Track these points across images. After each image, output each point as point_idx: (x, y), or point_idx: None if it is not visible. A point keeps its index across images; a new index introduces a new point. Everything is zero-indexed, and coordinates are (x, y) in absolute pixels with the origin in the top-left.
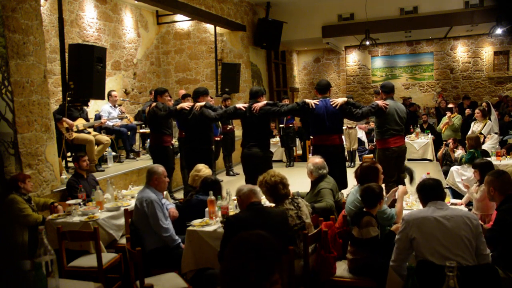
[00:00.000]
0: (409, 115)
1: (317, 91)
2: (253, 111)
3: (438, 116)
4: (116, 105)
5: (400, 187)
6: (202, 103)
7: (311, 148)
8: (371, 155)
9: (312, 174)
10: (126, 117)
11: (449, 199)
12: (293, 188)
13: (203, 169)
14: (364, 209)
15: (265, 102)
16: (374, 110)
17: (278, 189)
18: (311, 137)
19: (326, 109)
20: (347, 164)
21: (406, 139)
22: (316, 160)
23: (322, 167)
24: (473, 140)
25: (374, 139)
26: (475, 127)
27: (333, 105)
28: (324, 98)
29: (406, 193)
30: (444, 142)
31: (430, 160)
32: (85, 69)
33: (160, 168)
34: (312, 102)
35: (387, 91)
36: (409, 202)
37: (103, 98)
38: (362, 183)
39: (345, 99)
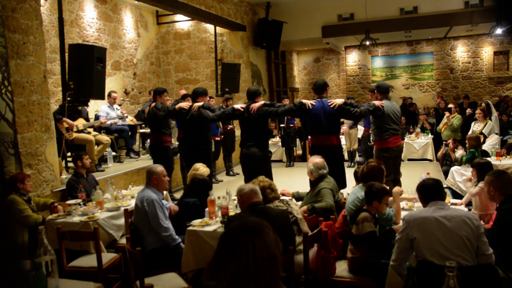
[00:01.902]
0: (409, 115)
1: (313, 91)
2: (251, 112)
3: (438, 116)
4: (116, 106)
5: (395, 188)
6: (200, 104)
7: (311, 148)
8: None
9: (312, 174)
10: (127, 116)
11: (449, 199)
12: (293, 188)
13: (200, 168)
14: (364, 207)
15: (262, 102)
16: (371, 109)
17: (266, 194)
18: (309, 137)
19: (322, 109)
20: (347, 164)
21: (406, 139)
22: (316, 160)
23: (322, 167)
24: (473, 140)
25: (371, 139)
26: (476, 127)
27: (331, 106)
28: (321, 99)
29: (401, 193)
30: (444, 142)
31: (430, 160)
32: (85, 69)
33: (159, 168)
34: (308, 102)
35: (383, 91)
36: (409, 202)
37: (103, 98)
38: (365, 182)
39: (343, 100)
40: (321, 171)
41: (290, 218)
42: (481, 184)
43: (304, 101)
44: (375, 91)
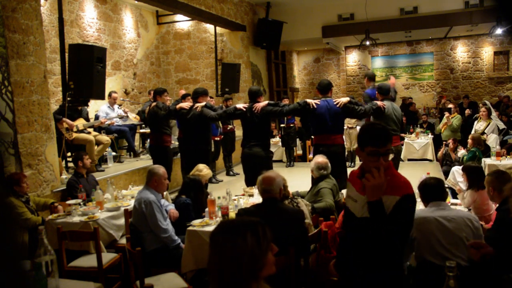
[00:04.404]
0: (409, 115)
1: (318, 91)
2: (255, 111)
3: (442, 116)
4: (116, 106)
5: None
6: (203, 104)
7: (311, 148)
8: None
9: (313, 172)
10: (127, 116)
11: (449, 199)
12: (293, 188)
13: (204, 170)
14: None
15: (266, 102)
16: (375, 107)
17: None
18: (312, 136)
19: (328, 108)
20: (347, 164)
21: (406, 139)
22: (319, 159)
23: (323, 167)
24: (475, 139)
25: None
26: (478, 126)
27: (337, 105)
28: (325, 98)
29: None
30: (444, 142)
31: (430, 160)
32: (85, 69)
33: (161, 170)
34: (313, 102)
35: (384, 92)
36: None
37: (103, 98)
38: None
39: (348, 98)
40: (321, 172)
41: None
42: (468, 195)
43: (308, 100)
44: (376, 92)
